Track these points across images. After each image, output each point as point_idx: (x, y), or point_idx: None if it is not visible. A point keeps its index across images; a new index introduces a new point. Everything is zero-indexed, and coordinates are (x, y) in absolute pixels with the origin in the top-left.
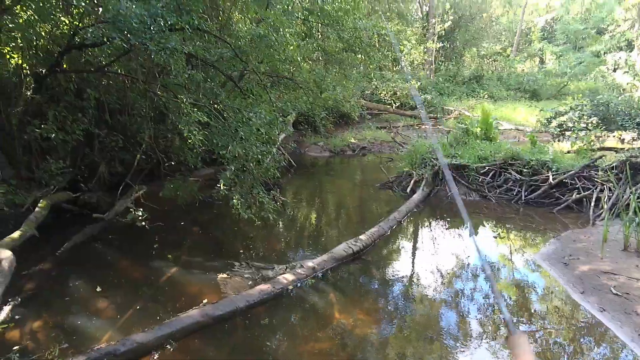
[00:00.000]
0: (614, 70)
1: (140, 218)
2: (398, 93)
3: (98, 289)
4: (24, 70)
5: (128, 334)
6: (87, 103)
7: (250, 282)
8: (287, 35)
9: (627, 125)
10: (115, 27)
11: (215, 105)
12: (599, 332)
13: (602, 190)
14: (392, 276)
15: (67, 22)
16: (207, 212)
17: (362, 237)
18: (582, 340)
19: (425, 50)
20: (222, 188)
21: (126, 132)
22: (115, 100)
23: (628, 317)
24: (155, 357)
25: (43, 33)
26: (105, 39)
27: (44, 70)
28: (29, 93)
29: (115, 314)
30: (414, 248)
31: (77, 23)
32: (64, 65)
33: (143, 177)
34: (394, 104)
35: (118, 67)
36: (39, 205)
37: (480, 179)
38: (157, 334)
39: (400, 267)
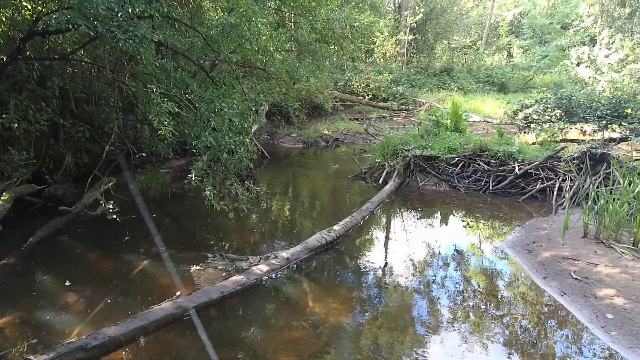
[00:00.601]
0: (577, 65)
1: (110, 211)
2: (371, 85)
3: (67, 283)
4: None
5: (99, 328)
6: (51, 92)
7: (224, 274)
8: (260, 25)
9: (588, 117)
10: (81, 13)
11: (186, 95)
12: (560, 314)
13: (564, 180)
14: (365, 265)
15: (30, 7)
16: (180, 203)
17: (335, 227)
18: (544, 322)
19: (397, 42)
20: (193, 179)
21: (93, 122)
22: (81, 89)
23: (587, 300)
24: (127, 351)
25: (3, 18)
26: (70, 26)
27: (4, 58)
28: None
29: (86, 308)
30: (386, 238)
31: (41, 8)
32: (27, 52)
33: (112, 168)
34: (366, 96)
35: (84, 55)
36: (2, 198)
37: (450, 170)
38: (129, 327)
39: (372, 257)
